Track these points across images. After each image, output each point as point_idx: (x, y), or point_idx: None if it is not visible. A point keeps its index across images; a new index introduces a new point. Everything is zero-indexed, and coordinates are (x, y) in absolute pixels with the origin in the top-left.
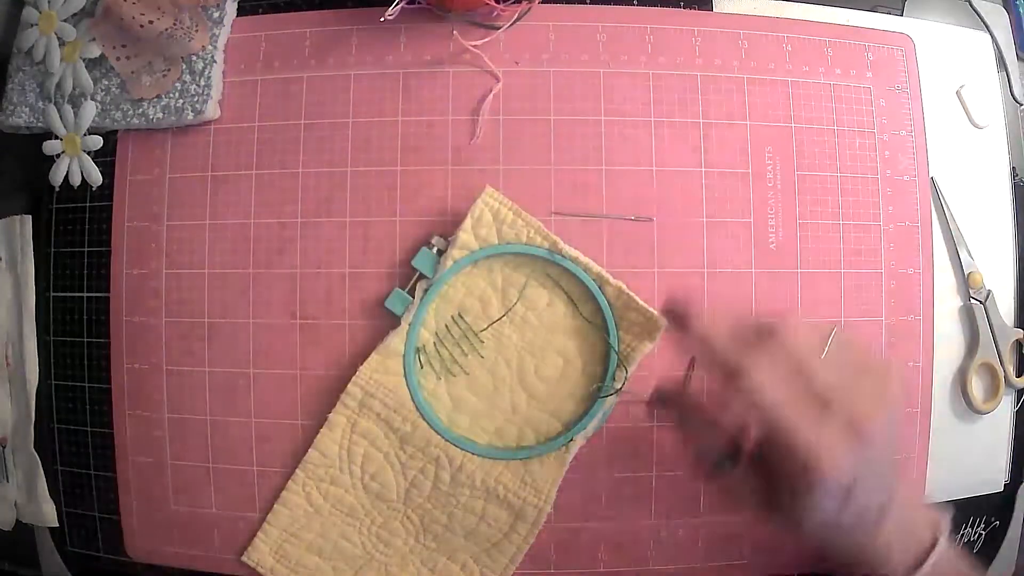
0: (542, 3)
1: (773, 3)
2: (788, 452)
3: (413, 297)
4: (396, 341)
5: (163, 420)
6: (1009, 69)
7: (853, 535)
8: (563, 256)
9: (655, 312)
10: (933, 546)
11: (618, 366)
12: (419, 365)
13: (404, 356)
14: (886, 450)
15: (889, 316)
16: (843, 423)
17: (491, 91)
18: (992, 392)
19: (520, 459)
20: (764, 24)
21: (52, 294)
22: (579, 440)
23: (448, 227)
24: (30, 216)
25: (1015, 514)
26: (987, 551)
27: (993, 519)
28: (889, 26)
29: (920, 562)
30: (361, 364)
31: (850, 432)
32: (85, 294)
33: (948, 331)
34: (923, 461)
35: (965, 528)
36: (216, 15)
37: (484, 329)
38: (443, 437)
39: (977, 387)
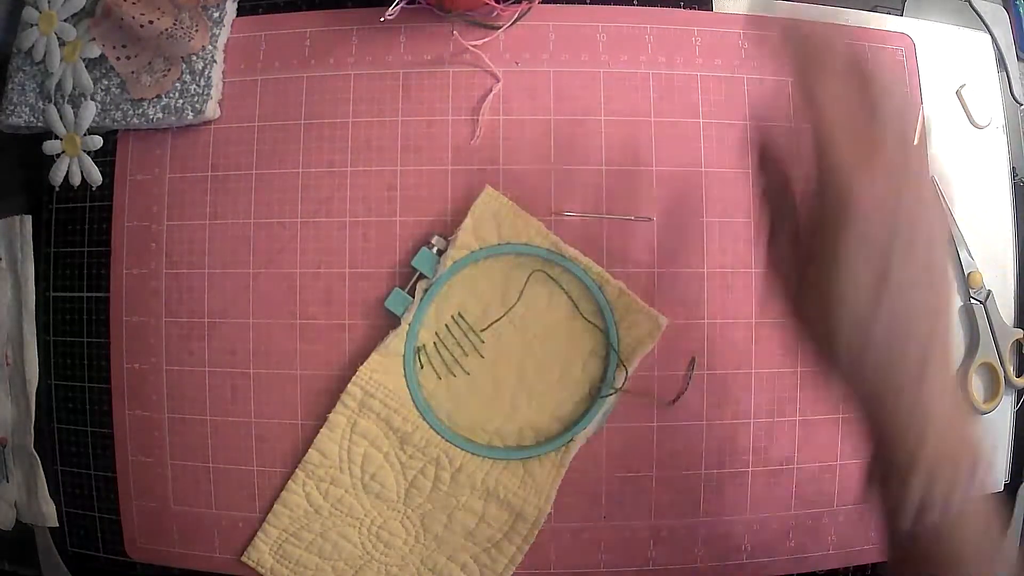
0: (542, 3)
1: (773, 3)
2: (830, 184)
3: (413, 297)
4: (396, 341)
5: (163, 420)
6: (1009, 69)
7: (888, 372)
8: (563, 256)
9: (655, 312)
10: (974, 468)
11: (618, 366)
12: (419, 365)
13: (404, 356)
14: (924, 270)
15: None
16: (891, 177)
17: (491, 91)
18: (992, 392)
19: (520, 459)
20: (764, 24)
21: (52, 294)
22: (579, 440)
23: (448, 227)
24: (30, 216)
25: (1015, 514)
26: None
27: None
28: (889, 26)
29: (954, 487)
30: (361, 364)
31: (893, 185)
32: (85, 294)
33: None
34: None
35: None
36: (216, 15)
37: (484, 329)
38: (443, 437)
39: (977, 387)
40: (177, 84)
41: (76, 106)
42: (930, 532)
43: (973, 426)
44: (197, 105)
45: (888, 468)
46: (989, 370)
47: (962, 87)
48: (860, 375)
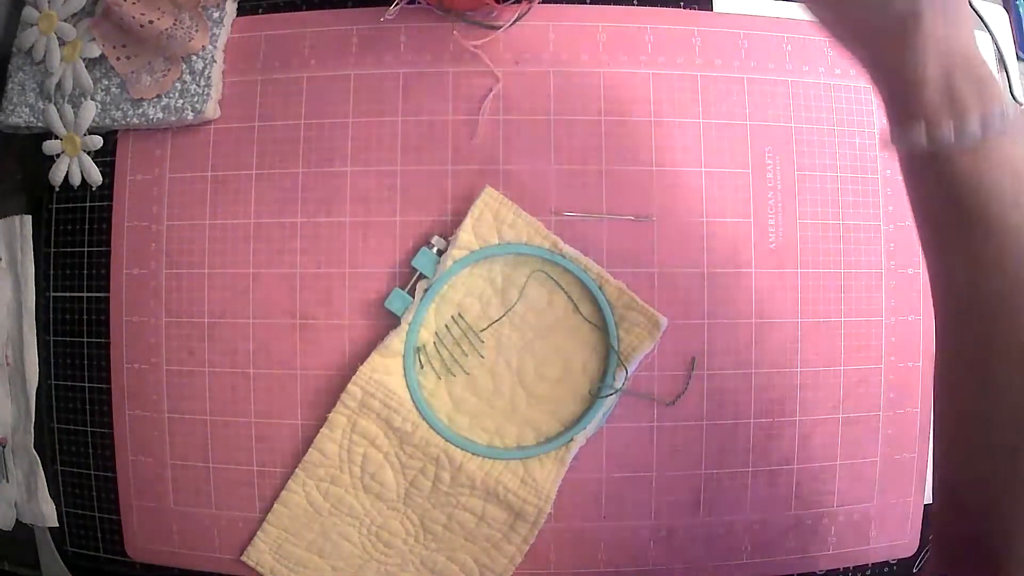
0: (542, 3)
1: (773, 3)
2: None
3: (413, 297)
4: (396, 341)
5: (163, 420)
6: (1009, 69)
7: (873, 25)
8: (563, 256)
9: (655, 312)
10: (992, 109)
11: (618, 366)
12: (419, 365)
13: (404, 356)
14: None
15: (889, 316)
16: None
17: (491, 91)
18: None
19: (520, 459)
20: (764, 24)
21: (52, 294)
22: (579, 440)
23: (448, 227)
24: (30, 216)
25: None
26: None
27: None
28: None
29: (969, 114)
30: (361, 364)
31: None
32: (85, 294)
33: None
34: (923, 461)
35: None
36: (216, 15)
37: (484, 329)
38: (443, 437)
39: None
40: (177, 84)
41: (76, 106)
42: (960, 159)
43: (987, 72)
44: (197, 105)
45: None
46: None
47: None
48: (853, 34)
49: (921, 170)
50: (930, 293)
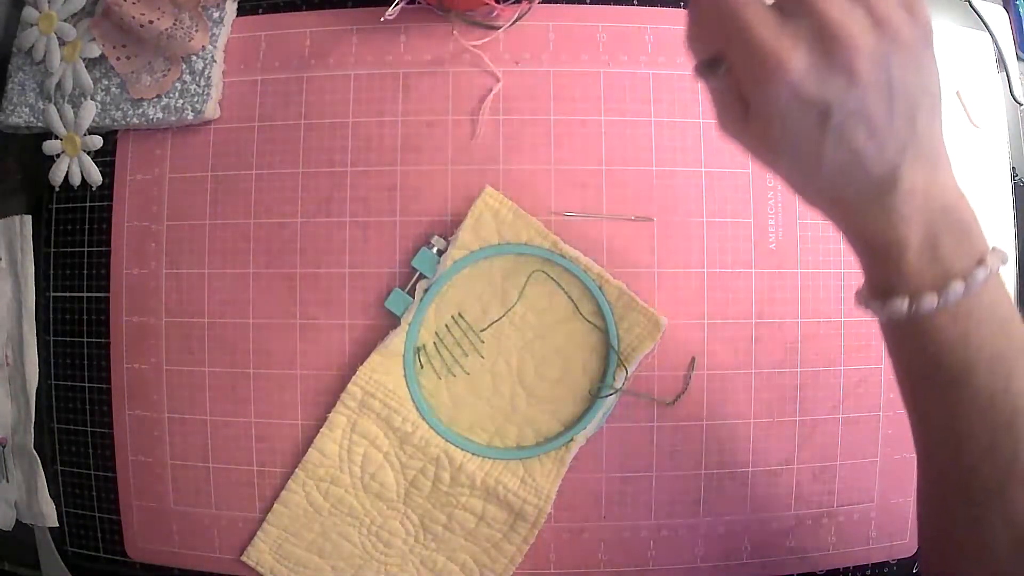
0: (542, 3)
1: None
2: (745, 47)
3: (413, 297)
4: (396, 341)
5: (163, 420)
6: (1009, 69)
7: (848, 192)
8: (563, 256)
9: (655, 312)
10: (976, 265)
11: (618, 366)
12: (419, 365)
13: (404, 356)
14: (886, 92)
15: None
16: (814, 29)
17: (491, 91)
18: None
19: (520, 459)
20: None
21: (52, 294)
22: (579, 440)
23: (448, 227)
24: (30, 216)
25: None
26: None
27: None
28: None
29: (952, 276)
30: (361, 364)
31: (820, 42)
32: (85, 294)
33: None
34: None
35: None
36: (216, 15)
37: (484, 329)
38: (443, 437)
39: None
40: (177, 84)
41: (76, 106)
42: (941, 319)
43: (971, 219)
44: (197, 105)
45: (877, 258)
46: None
47: (962, 87)
48: (822, 199)
49: (900, 332)
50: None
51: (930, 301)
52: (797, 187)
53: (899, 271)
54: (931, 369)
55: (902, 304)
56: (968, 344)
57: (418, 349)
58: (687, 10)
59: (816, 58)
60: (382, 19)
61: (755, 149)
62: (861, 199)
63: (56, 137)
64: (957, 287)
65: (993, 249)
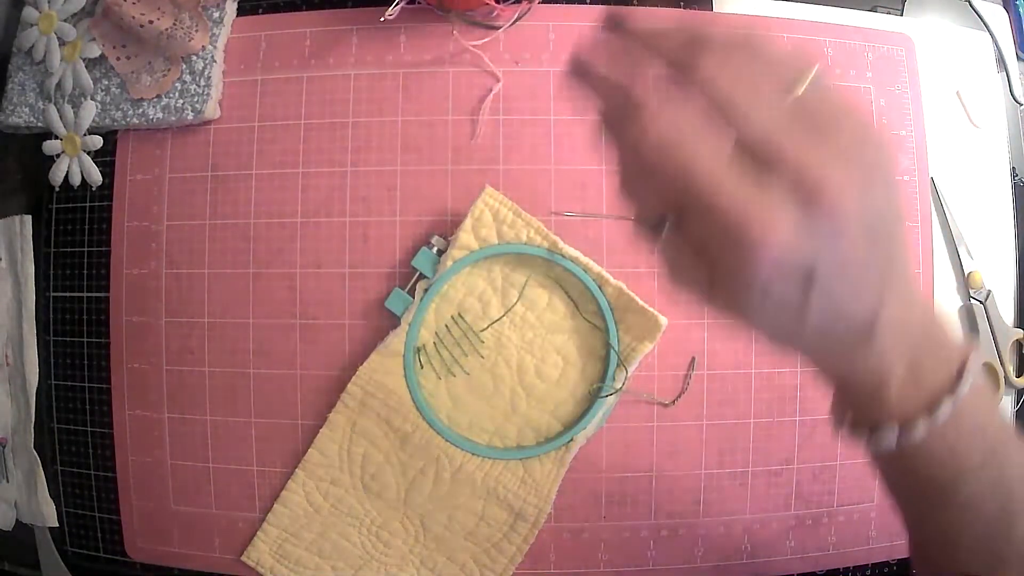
0: (542, 3)
1: (773, 3)
2: (708, 213)
3: (413, 297)
4: (396, 341)
5: (163, 420)
6: (1009, 69)
7: (830, 341)
8: (563, 256)
9: (655, 312)
10: (959, 377)
11: (618, 366)
12: (419, 365)
13: (404, 356)
14: (867, 233)
15: None
16: (791, 181)
17: (491, 91)
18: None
19: (520, 459)
20: (764, 24)
21: (52, 294)
22: (579, 440)
23: (448, 227)
24: (30, 216)
25: None
26: None
27: None
28: (889, 26)
29: (938, 398)
30: (361, 364)
31: (801, 194)
32: (85, 294)
33: None
34: None
35: None
36: (216, 15)
37: (484, 329)
38: (443, 437)
39: None
40: (177, 84)
41: (76, 106)
42: (925, 444)
43: (946, 329)
44: (197, 105)
45: (856, 399)
46: (989, 370)
47: (962, 87)
48: (793, 342)
49: (888, 456)
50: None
51: (921, 428)
52: (771, 342)
53: (886, 404)
54: (922, 485)
55: (891, 435)
56: (957, 454)
57: (418, 349)
58: (617, 161)
59: (796, 215)
60: (382, 19)
61: (721, 311)
62: (843, 346)
63: (56, 137)
64: (945, 408)
65: (970, 354)
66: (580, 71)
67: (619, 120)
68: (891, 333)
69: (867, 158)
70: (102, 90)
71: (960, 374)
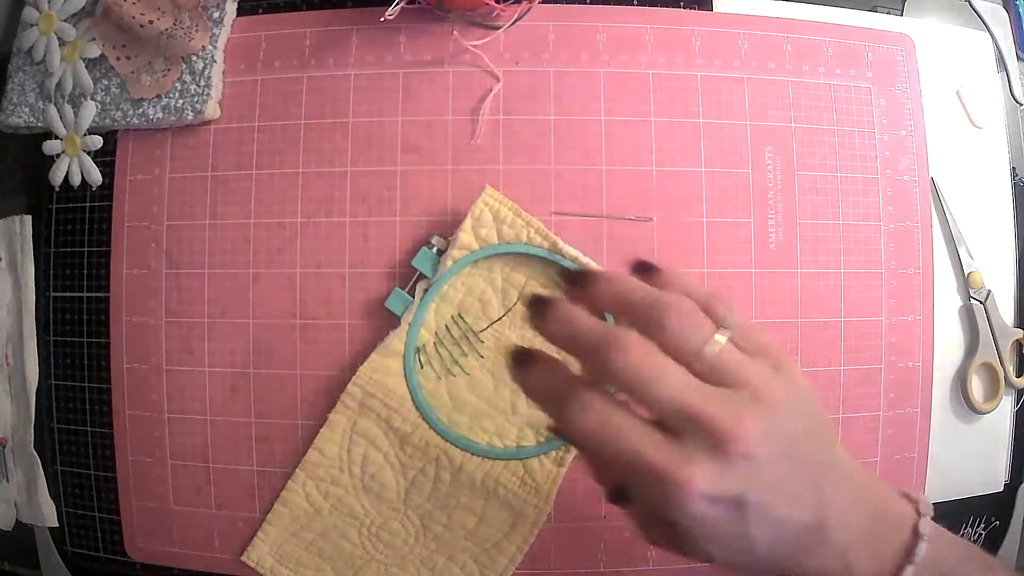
0: (542, 3)
1: (773, 3)
2: (642, 475)
3: (413, 297)
4: (396, 341)
5: (163, 420)
6: (1009, 69)
7: (787, 551)
8: (563, 256)
9: None
10: (915, 541)
11: None
12: (419, 365)
13: (404, 356)
14: (787, 453)
15: (889, 316)
16: (704, 433)
17: (491, 91)
18: (992, 392)
19: (520, 459)
20: (764, 24)
21: (52, 294)
22: None
23: (448, 227)
24: (30, 216)
25: (1015, 514)
26: (987, 551)
27: (993, 519)
28: (889, 26)
29: (900, 566)
30: (361, 364)
31: (714, 442)
32: (85, 294)
33: (948, 331)
34: (923, 461)
35: (965, 528)
36: (216, 15)
37: (484, 329)
38: (443, 437)
39: (977, 387)
40: (177, 84)
41: (76, 106)
42: None
43: (894, 499)
44: (197, 105)
45: None
46: (989, 370)
47: (962, 87)
48: (768, 571)
49: None
50: None
51: None
52: (743, 570)
53: None
54: None
55: None
56: None
57: (418, 349)
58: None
59: (714, 461)
60: (382, 19)
61: (689, 556)
62: (800, 551)
63: (56, 137)
64: (908, 573)
65: (920, 514)
66: (522, 367)
67: (557, 415)
68: (841, 524)
69: (775, 390)
70: (102, 90)
71: (915, 536)
